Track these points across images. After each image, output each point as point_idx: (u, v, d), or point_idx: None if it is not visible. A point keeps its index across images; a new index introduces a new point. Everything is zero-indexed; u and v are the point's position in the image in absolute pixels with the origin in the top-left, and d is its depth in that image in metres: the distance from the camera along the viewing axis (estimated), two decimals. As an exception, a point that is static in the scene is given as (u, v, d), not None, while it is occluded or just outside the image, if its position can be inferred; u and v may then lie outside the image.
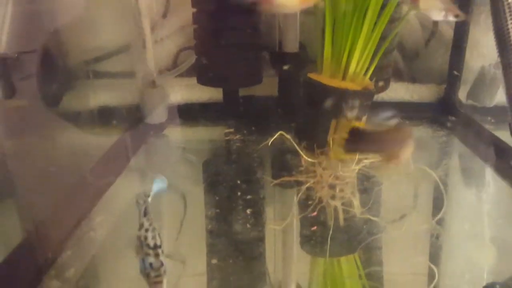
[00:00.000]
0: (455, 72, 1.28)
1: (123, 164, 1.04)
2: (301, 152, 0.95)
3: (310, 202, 0.83)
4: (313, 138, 0.95)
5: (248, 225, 0.77)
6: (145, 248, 0.58)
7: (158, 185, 0.74)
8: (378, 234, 0.77)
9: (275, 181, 0.91)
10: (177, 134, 1.33)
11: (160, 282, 0.56)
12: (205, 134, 1.32)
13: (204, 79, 1.31)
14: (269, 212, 0.85)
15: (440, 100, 1.38)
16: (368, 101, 0.92)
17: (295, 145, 0.94)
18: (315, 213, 0.79)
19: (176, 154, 1.20)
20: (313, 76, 0.94)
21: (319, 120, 0.92)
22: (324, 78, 0.93)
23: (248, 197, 0.86)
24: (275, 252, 0.73)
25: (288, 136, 0.96)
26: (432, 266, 0.69)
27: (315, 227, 0.76)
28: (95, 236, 0.73)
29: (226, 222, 0.78)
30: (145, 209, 0.65)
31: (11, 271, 0.62)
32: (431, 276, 0.68)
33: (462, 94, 1.35)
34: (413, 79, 1.45)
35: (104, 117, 1.35)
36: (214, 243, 0.73)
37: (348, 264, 0.72)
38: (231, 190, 0.89)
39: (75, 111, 1.32)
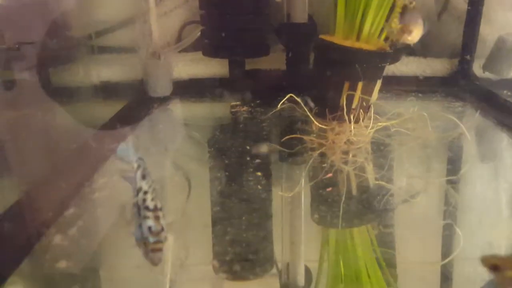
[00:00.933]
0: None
1: (125, 133, 1.02)
2: (312, 117, 0.91)
3: (322, 168, 0.80)
4: (324, 102, 0.91)
5: (258, 193, 0.74)
6: (143, 212, 0.51)
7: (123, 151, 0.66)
8: (392, 201, 0.73)
9: (283, 139, 0.87)
10: (182, 108, 1.30)
11: (160, 249, 0.49)
12: (211, 108, 1.29)
13: (210, 51, 1.28)
14: (279, 180, 0.82)
15: (453, 74, 1.34)
16: (384, 63, 0.89)
17: (306, 110, 0.91)
18: (330, 174, 0.76)
19: (180, 126, 1.17)
20: (325, 37, 0.91)
21: (331, 83, 0.88)
22: (337, 39, 0.89)
23: (257, 165, 0.83)
24: (284, 218, 0.70)
25: (298, 99, 0.93)
26: (447, 231, 0.66)
27: (330, 189, 0.73)
28: (99, 196, 0.70)
29: (234, 189, 0.75)
30: (143, 171, 0.58)
31: (9, 227, 0.60)
32: (446, 243, 0.64)
33: (476, 69, 1.32)
34: (426, 53, 1.41)
35: (107, 91, 1.33)
36: (223, 209, 0.70)
37: (361, 232, 0.69)
38: (240, 158, 0.86)
39: (78, 86, 1.30)
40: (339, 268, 0.59)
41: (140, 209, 0.52)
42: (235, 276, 0.55)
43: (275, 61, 1.36)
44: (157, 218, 0.51)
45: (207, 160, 0.90)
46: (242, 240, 0.61)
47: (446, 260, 0.59)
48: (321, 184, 0.76)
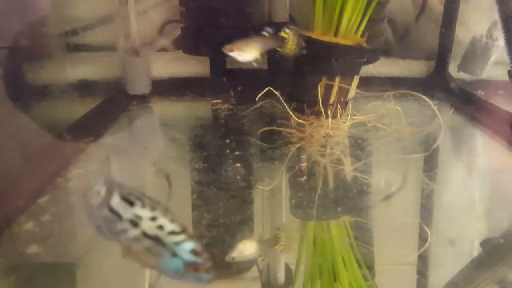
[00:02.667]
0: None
1: (101, 128, 1.01)
2: (290, 112, 0.93)
3: (300, 161, 0.81)
4: (303, 98, 0.93)
5: (237, 186, 0.74)
6: (169, 238, 0.43)
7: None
8: (368, 193, 0.75)
9: (261, 130, 0.88)
10: (162, 106, 1.30)
11: (210, 267, 0.44)
12: (192, 106, 1.30)
13: (190, 48, 1.29)
14: (259, 173, 0.82)
15: (430, 74, 1.38)
16: (361, 58, 0.91)
17: (284, 104, 0.92)
18: (305, 164, 0.77)
19: (159, 123, 1.17)
20: (304, 33, 0.93)
21: (309, 78, 0.90)
22: (316, 34, 0.91)
23: (237, 159, 0.84)
24: (264, 211, 0.71)
25: (277, 93, 0.94)
26: (424, 225, 0.68)
27: (304, 178, 0.74)
28: (72, 186, 0.70)
29: (215, 181, 0.76)
30: (127, 196, 0.45)
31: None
32: (422, 235, 0.66)
33: (452, 70, 1.37)
34: (404, 55, 1.46)
35: (85, 89, 1.32)
36: (203, 202, 0.70)
37: (337, 224, 0.71)
38: (220, 152, 0.87)
39: (53, 84, 1.29)
40: (316, 261, 0.60)
41: (158, 239, 0.44)
42: (216, 275, 0.55)
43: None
44: (190, 237, 0.44)
45: (186, 154, 0.90)
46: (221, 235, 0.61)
47: (421, 250, 0.60)
48: (298, 177, 0.77)
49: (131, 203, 0.44)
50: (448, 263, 0.60)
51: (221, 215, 0.66)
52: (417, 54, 1.43)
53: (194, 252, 0.43)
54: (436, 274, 0.57)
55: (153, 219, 0.44)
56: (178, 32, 1.36)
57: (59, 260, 0.56)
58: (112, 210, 0.44)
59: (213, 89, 1.33)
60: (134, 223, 0.44)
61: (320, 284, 0.56)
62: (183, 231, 0.44)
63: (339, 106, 0.93)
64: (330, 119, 0.90)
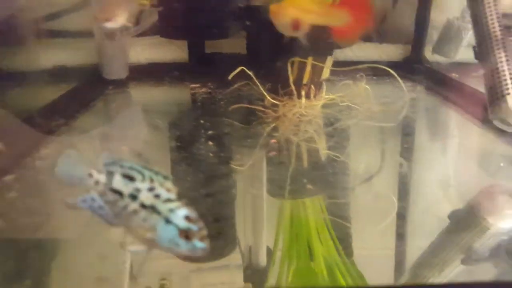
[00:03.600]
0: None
1: (74, 111, 1.01)
2: (264, 93, 0.94)
3: (274, 141, 0.83)
4: (277, 78, 0.94)
5: (213, 166, 0.75)
6: (163, 206, 0.44)
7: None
8: (342, 172, 0.77)
9: (233, 107, 0.89)
10: (139, 91, 1.29)
11: (206, 237, 0.44)
12: (169, 91, 1.30)
13: (167, 32, 1.28)
14: (234, 153, 0.84)
15: (407, 58, 1.41)
16: (331, 39, 0.93)
17: (258, 85, 0.93)
18: (274, 140, 0.78)
19: (137, 108, 1.18)
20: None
21: (283, 59, 0.91)
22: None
23: (213, 139, 0.84)
24: (240, 191, 0.72)
25: (250, 73, 0.95)
26: (395, 199, 0.70)
27: (274, 153, 0.75)
28: (41, 164, 0.70)
29: (191, 163, 0.76)
30: (123, 172, 0.47)
31: None
32: (397, 212, 0.68)
33: (427, 53, 1.40)
34: (382, 40, 1.48)
35: (61, 75, 1.30)
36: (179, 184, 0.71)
37: (312, 203, 0.72)
38: (196, 134, 0.88)
39: (28, 70, 1.27)
40: (293, 238, 0.62)
41: (154, 208, 0.45)
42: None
43: (236, 45, 1.38)
44: (185, 204, 0.45)
45: (162, 135, 0.91)
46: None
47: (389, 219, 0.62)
48: (270, 154, 0.79)
49: (131, 179, 0.46)
50: (421, 233, 0.62)
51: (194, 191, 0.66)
52: (394, 38, 1.45)
53: (188, 218, 0.43)
54: (411, 243, 0.59)
55: (151, 189, 0.45)
56: (156, 17, 1.36)
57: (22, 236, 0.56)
58: (114, 191, 0.46)
59: (192, 74, 1.34)
60: (133, 196, 0.45)
61: (296, 263, 0.57)
62: (179, 199, 0.45)
63: (312, 86, 0.95)
64: (303, 98, 0.92)
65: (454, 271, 0.55)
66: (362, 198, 0.72)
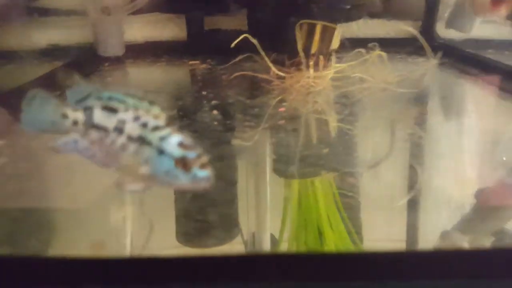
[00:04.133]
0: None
1: (67, 84, 0.95)
2: (269, 64, 0.88)
3: (282, 109, 0.77)
4: (283, 48, 0.88)
5: (218, 141, 0.70)
6: (152, 135, 0.39)
7: None
8: (354, 146, 0.72)
9: (235, 74, 0.83)
10: (136, 69, 1.24)
11: (208, 164, 0.38)
12: (167, 69, 1.24)
13: (165, 6, 1.22)
14: (237, 127, 0.78)
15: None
16: (343, 3, 0.87)
17: (263, 54, 0.87)
18: (282, 109, 0.73)
19: (134, 82, 1.12)
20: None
21: (289, 27, 0.85)
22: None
23: (217, 113, 0.79)
24: (242, 170, 0.67)
25: (254, 41, 0.89)
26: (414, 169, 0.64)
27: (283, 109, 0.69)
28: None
29: (196, 138, 0.71)
30: (104, 105, 0.41)
31: None
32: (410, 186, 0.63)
33: (439, 29, 1.34)
34: (390, 16, 1.42)
35: (55, 54, 1.25)
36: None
37: (322, 183, 0.67)
38: (200, 109, 0.82)
39: (21, 49, 1.21)
40: (301, 224, 0.56)
41: (143, 138, 0.39)
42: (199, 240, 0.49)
43: (236, 21, 1.32)
44: (176, 130, 0.39)
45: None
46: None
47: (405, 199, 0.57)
48: (280, 130, 0.73)
49: (113, 110, 0.40)
50: (441, 214, 0.57)
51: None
52: (403, 15, 1.39)
53: (182, 145, 0.38)
54: (428, 225, 0.54)
55: (136, 118, 0.40)
56: (152, -7, 1.29)
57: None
58: (96, 127, 0.41)
59: (191, 52, 1.28)
60: (119, 129, 0.40)
61: (305, 241, 0.53)
62: (169, 125, 0.39)
63: (321, 57, 0.89)
64: (312, 69, 0.86)
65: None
66: (375, 178, 0.66)
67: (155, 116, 0.40)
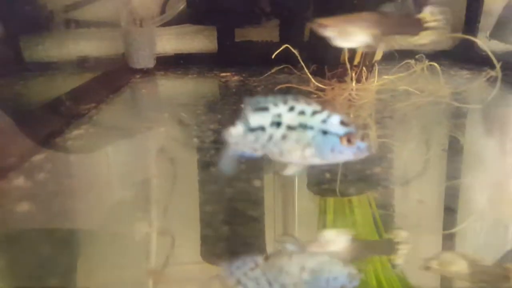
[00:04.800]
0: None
1: (103, 96, 0.94)
2: (309, 76, 0.84)
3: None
4: (323, 60, 0.85)
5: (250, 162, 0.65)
6: (313, 120, 0.43)
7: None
8: (396, 162, 0.66)
9: (279, 87, 0.79)
10: (167, 81, 1.22)
11: (366, 135, 0.45)
12: (198, 81, 1.22)
13: (196, 17, 1.21)
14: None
15: (456, 46, 1.29)
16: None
17: (302, 64, 0.84)
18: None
19: (164, 96, 1.10)
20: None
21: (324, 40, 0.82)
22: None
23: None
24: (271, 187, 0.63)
25: (295, 51, 0.86)
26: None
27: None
28: (72, 145, 0.62)
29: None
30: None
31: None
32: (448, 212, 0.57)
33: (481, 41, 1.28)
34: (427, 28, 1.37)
35: (86, 66, 1.25)
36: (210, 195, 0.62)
37: (360, 202, 0.62)
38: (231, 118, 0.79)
39: (52, 60, 1.22)
40: None
41: (304, 125, 0.43)
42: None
43: (267, 32, 1.30)
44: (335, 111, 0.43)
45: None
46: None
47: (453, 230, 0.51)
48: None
49: (265, 109, 0.44)
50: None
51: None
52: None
53: (343, 123, 0.43)
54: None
55: (291, 109, 0.44)
56: (183, 5, 1.29)
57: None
58: (253, 130, 0.45)
59: (221, 63, 1.26)
60: (277, 123, 0.44)
61: None
62: (323, 109, 0.43)
63: (364, 69, 0.85)
64: (354, 82, 0.82)
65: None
66: (415, 197, 0.61)
67: (308, 103, 0.43)
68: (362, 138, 0.43)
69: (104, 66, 1.21)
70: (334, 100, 0.80)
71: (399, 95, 0.85)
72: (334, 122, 0.43)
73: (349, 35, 0.69)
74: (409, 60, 0.91)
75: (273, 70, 0.97)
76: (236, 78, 1.12)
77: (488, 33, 1.22)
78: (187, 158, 0.68)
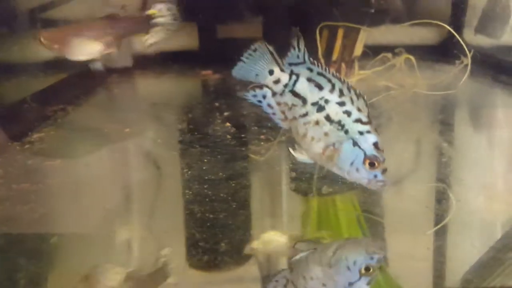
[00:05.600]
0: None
1: (73, 98, 0.92)
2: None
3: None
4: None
5: (231, 156, 0.66)
6: (352, 126, 0.42)
7: None
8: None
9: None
10: (146, 79, 1.20)
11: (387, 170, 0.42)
12: (178, 80, 1.20)
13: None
14: (250, 143, 0.73)
15: (443, 41, 1.29)
16: (368, 8, 0.81)
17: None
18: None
19: (144, 97, 1.08)
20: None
21: (308, 31, 0.80)
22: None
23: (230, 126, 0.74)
24: (256, 188, 0.62)
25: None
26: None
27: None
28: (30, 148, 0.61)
29: (209, 149, 0.67)
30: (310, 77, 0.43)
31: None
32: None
33: (466, 35, 1.27)
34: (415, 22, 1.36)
35: (61, 67, 1.23)
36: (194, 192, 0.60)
37: (343, 201, 0.61)
38: (212, 122, 0.77)
39: (26, 62, 1.19)
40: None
41: (342, 125, 0.42)
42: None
43: (251, 29, 1.28)
44: (375, 129, 0.42)
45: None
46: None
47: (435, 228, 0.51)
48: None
49: (319, 87, 0.43)
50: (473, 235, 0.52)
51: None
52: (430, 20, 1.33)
53: (376, 146, 0.41)
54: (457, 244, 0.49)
55: (341, 104, 0.42)
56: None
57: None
58: (295, 94, 0.44)
59: (203, 61, 1.24)
60: (320, 106, 0.43)
61: None
62: (369, 122, 0.42)
63: (343, 64, 0.83)
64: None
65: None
66: (399, 196, 0.61)
67: (359, 108, 0.42)
68: (384, 171, 0.42)
69: (80, 66, 1.19)
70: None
71: (378, 90, 0.84)
72: (369, 140, 0.42)
73: (79, 47, 0.66)
74: (385, 54, 0.89)
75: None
76: (216, 76, 1.10)
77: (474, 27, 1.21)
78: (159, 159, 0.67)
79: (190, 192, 0.58)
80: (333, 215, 0.60)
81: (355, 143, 0.42)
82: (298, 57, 0.45)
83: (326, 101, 0.43)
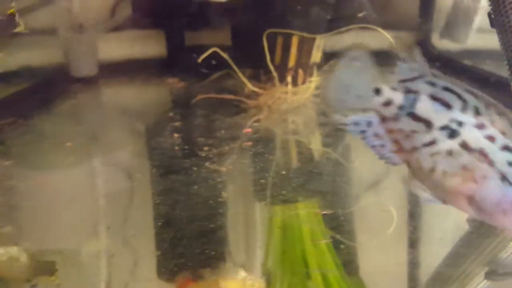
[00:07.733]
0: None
1: (32, 109, 0.92)
2: (244, 80, 0.84)
3: (247, 130, 0.73)
4: (258, 63, 0.84)
5: (192, 167, 0.67)
6: (499, 155, 0.31)
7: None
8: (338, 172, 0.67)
9: (199, 97, 0.79)
10: (111, 89, 1.20)
11: None
12: (144, 88, 1.21)
13: (143, 22, 1.20)
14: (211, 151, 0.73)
15: (412, 46, 1.31)
16: (323, 15, 0.83)
17: (237, 71, 0.83)
18: (248, 130, 0.68)
19: (109, 107, 1.08)
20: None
21: (263, 39, 0.82)
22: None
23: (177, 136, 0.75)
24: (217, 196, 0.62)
25: (225, 55, 0.85)
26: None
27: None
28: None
29: (167, 164, 0.67)
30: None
31: None
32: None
33: (435, 40, 1.30)
34: (383, 27, 1.39)
35: (26, 76, 1.23)
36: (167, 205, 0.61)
37: (306, 207, 0.63)
38: (161, 132, 0.78)
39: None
40: (285, 251, 0.55)
41: (486, 153, 0.32)
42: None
43: (220, 36, 1.29)
44: None
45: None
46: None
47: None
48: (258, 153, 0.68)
49: (447, 105, 0.33)
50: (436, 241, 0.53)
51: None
52: (398, 25, 1.36)
53: None
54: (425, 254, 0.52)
55: (480, 126, 0.32)
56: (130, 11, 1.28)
57: None
58: (416, 118, 0.33)
59: (170, 69, 1.25)
60: (452, 131, 0.32)
61: (290, 281, 0.51)
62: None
63: (301, 71, 0.85)
64: (289, 85, 0.81)
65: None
66: (364, 204, 0.63)
67: (502, 131, 0.32)
68: None
69: (42, 76, 1.19)
70: (266, 105, 0.79)
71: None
72: None
73: None
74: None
75: (213, 77, 0.96)
76: (181, 84, 1.11)
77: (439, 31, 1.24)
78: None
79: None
80: (296, 223, 0.62)
81: (503, 178, 0.32)
82: (411, 70, 0.36)
83: (460, 124, 0.32)
